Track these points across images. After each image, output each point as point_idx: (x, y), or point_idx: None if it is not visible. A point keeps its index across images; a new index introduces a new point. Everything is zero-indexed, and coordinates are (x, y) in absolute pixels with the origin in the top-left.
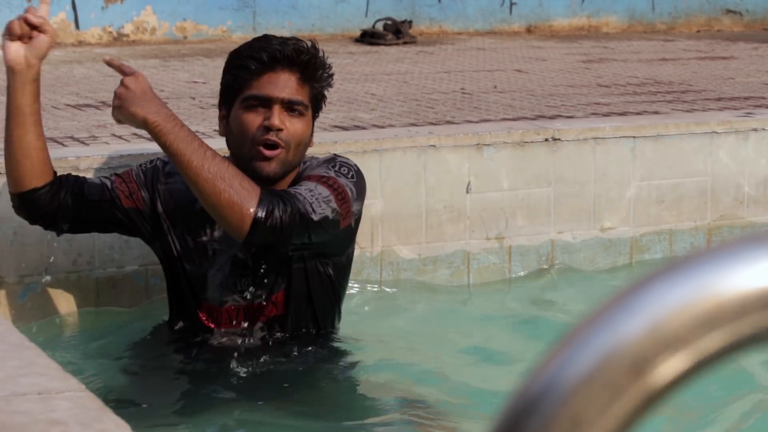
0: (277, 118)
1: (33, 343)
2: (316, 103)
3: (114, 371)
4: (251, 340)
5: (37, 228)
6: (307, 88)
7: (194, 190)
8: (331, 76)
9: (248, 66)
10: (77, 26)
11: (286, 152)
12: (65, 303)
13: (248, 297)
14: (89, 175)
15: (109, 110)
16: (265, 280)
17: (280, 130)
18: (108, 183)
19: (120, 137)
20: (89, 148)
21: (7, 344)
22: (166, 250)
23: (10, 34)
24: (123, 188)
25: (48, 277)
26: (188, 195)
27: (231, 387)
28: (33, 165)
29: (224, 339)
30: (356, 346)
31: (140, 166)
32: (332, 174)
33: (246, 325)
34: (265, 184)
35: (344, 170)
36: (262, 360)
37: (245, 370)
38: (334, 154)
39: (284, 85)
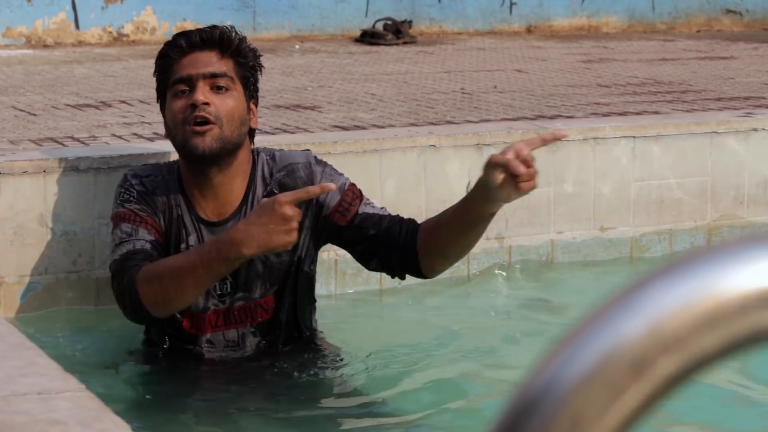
0: (201, 92)
1: (33, 343)
2: (245, 80)
3: (114, 371)
4: (242, 344)
5: (37, 228)
6: (230, 61)
7: (460, 242)
8: (256, 55)
9: (168, 55)
10: (77, 26)
11: (220, 128)
12: (65, 303)
13: (227, 301)
14: (89, 176)
15: (108, 110)
16: (249, 284)
17: (206, 104)
18: (150, 237)
19: (120, 137)
20: (89, 148)
21: (7, 344)
22: None
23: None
24: (154, 233)
25: (48, 277)
26: (164, 204)
27: (227, 388)
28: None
29: (215, 343)
30: (356, 347)
31: (127, 202)
32: (350, 180)
33: (232, 328)
34: (205, 162)
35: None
36: (255, 362)
37: (240, 372)
38: (324, 162)
39: (205, 62)
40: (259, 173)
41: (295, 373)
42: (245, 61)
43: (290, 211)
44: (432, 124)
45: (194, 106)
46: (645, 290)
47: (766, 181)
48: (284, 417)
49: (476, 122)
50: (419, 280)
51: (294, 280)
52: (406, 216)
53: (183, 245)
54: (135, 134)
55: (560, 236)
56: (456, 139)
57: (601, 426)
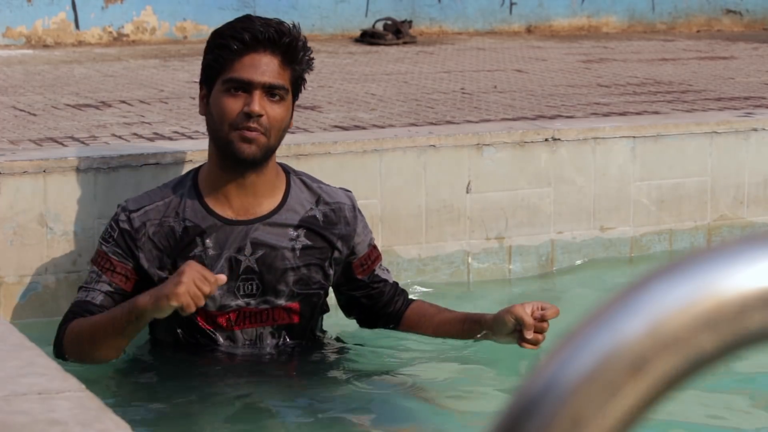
0: (258, 104)
1: (33, 343)
2: (297, 86)
3: (113, 371)
4: (260, 343)
5: (37, 228)
6: (289, 71)
7: (440, 336)
8: (311, 59)
9: (230, 46)
10: (77, 26)
11: (267, 138)
12: (65, 303)
13: (252, 303)
14: (89, 176)
15: (108, 110)
16: (276, 290)
17: (260, 116)
18: (107, 288)
19: (120, 137)
20: (89, 148)
21: (7, 344)
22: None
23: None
24: (119, 280)
25: (48, 277)
26: (165, 231)
27: (232, 388)
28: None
29: (233, 340)
30: (357, 348)
31: (106, 242)
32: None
33: (250, 327)
34: (246, 167)
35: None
36: (266, 362)
37: (249, 371)
38: (360, 210)
39: (265, 68)
40: (297, 191)
41: (302, 375)
42: (302, 69)
43: (190, 272)
44: (432, 124)
45: (248, 116)
46: (645, 290)
47: (766, 181)
48: (288, 419)
49: (476, 122)
50: (419, 279)
51: (317, 297)
52: (405, 216)
53: (198, 250)
54: (135, 134)
55: (560, 236)
56: (456, 139)
57: (601, 426)
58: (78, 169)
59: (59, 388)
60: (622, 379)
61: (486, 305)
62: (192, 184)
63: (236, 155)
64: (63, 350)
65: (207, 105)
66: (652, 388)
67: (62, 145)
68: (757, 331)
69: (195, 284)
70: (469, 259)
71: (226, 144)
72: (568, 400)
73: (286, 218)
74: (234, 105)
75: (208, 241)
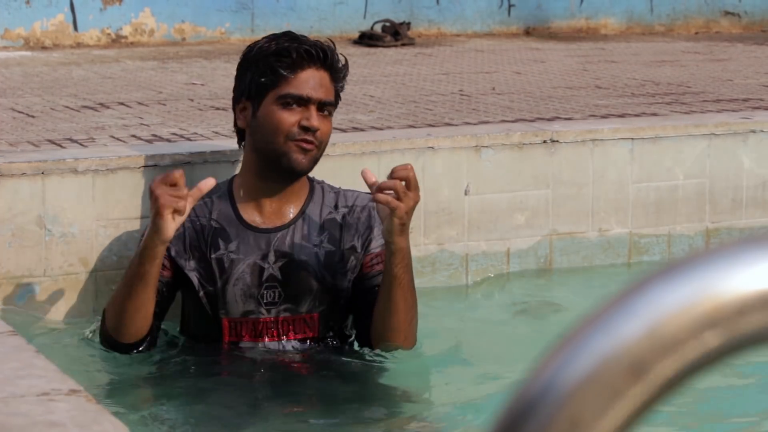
0: (316, 119)
1: (31, 344)
2: (337, 102)
3: (112, 373)
4: (269, 353)
5: (35, 229)
6: (334, 87)
7: (395, 306)
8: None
9: (283, 61)
10: (75, 28)
11: (318, 150)
12: (63, 304)
13: (272, 311)
14: (87, 178)
15: (106, 112)
16: (298, 297)
17: (317, 130)
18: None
19: (118, 139)
20: (87, 149)
21: (5, 346)
22: (188, 283)
23: (175, 210)
24: (165, 273)
25: (46, 279)
26: (196, 228)
27: (233, 390)
28: (147, 319)
29: (235, 348)
30: (354, 349)
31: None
32: None
33: (267, 339)
34: (294, 177)
35: None
36: (272, 364)
37: (253, 373)
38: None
39: (320, 84)
40: (318, 196)
41: (302, 376)
42: (342, 87)
43: (157, 189)
44: (430, 125)
45: (306, 129)
46: (644, 292)
47: (765, 183)
48: (288, 420)
49: (474, 124)
50: (417, 281)
51: (345, 301)
52: None
53: (221, 251)
54: (133, 136)
55: (558, 238)
56: (454, 140)
57: (600, 428)
58: (76, 171)
59: (57, 390)
60: (621, 381)
61: (484, 307)
62: (227, 189)
63: (291, 166)
64: (107, 329)
65: (253, 119)
66: (650, 391)
67: (60, 146)
68: (756, 332)
69: (169, 195)
70: (468, 261)
71: (280, 155)
72: (566, 402)
73: (309, 224)
74: (291, 118)
75: (231, 245)
